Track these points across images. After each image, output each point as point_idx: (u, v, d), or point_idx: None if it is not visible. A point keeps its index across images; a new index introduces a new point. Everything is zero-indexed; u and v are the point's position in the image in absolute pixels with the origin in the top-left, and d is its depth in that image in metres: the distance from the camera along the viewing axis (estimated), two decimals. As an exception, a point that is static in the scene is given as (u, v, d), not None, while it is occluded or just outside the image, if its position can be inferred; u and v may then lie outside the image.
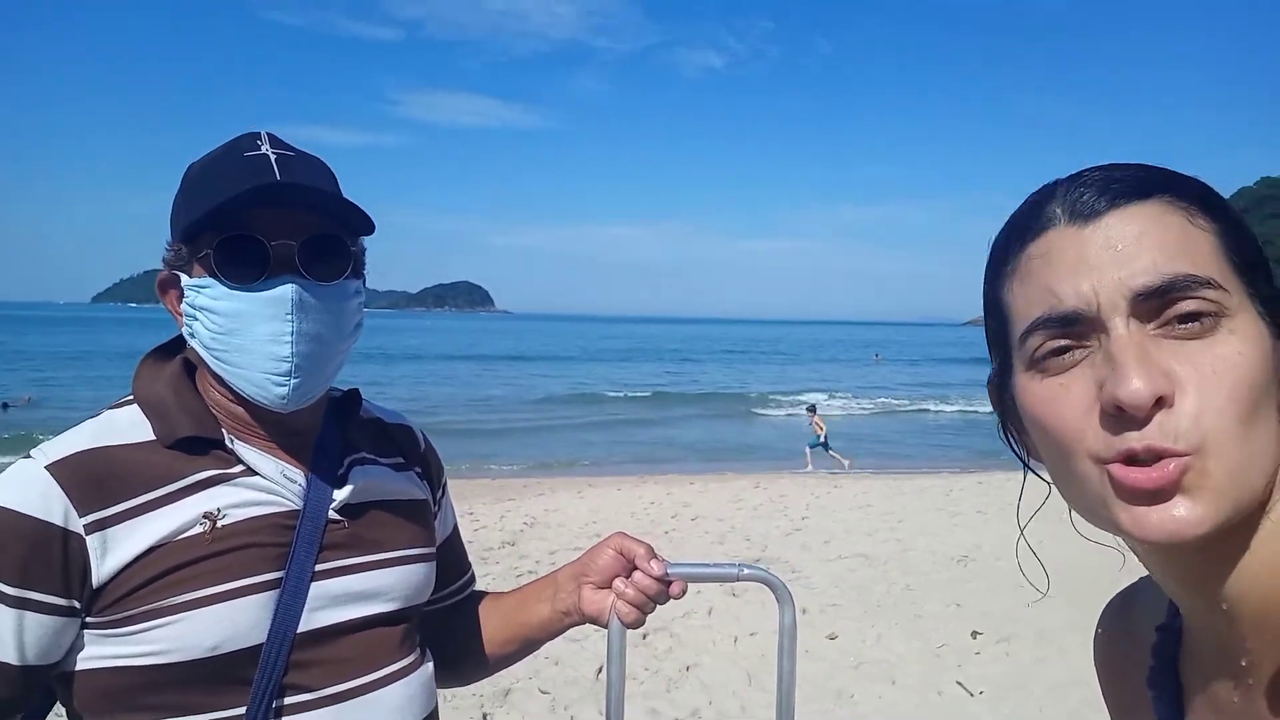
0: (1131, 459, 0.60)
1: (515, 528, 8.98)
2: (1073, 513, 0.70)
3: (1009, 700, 4.79)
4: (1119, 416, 0.60)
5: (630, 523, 9.33)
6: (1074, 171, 0.69)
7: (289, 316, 1.09)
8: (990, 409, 0.77)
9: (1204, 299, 0.60)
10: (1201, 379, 0.59)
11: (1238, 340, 0.60)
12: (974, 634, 5.82)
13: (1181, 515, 0.59)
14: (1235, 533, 0.62)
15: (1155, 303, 0.61)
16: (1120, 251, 0.62)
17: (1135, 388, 0.58)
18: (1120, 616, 0.88)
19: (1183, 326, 0.61)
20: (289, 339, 1.09)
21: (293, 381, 1.11)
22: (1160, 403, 0.59)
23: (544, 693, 4.88)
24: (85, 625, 1.05)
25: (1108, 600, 0.91)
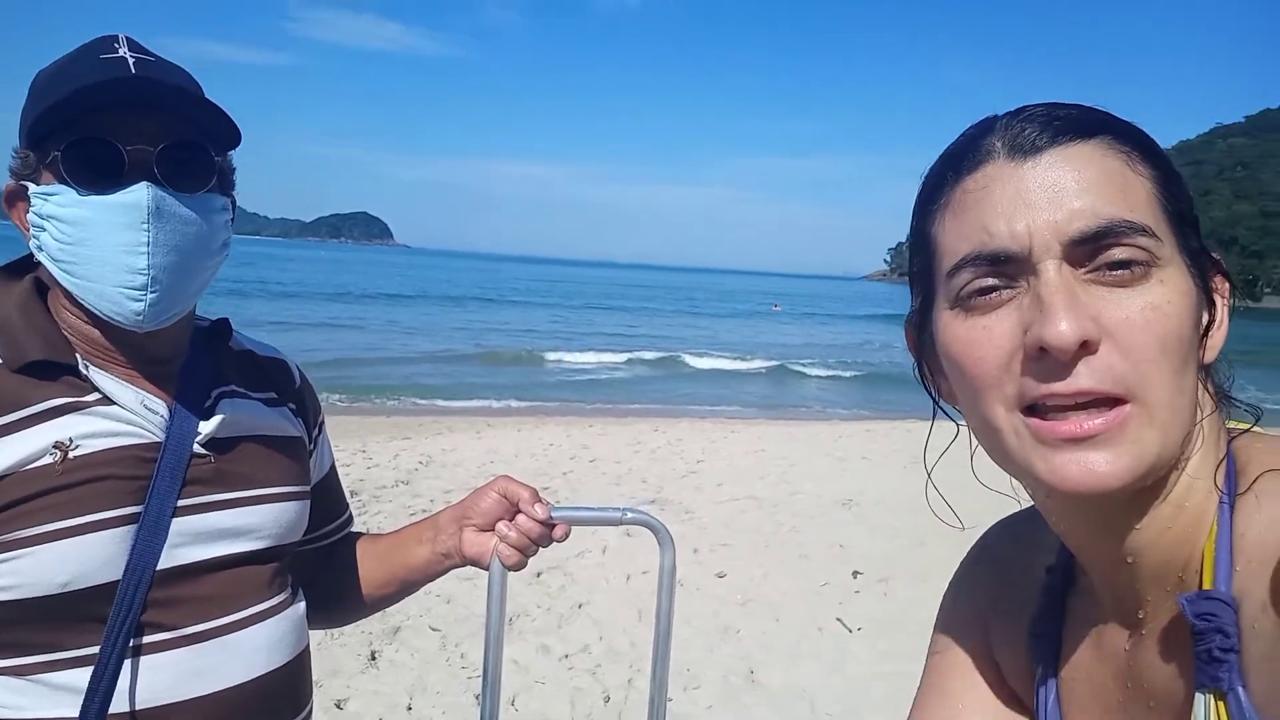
0: (1052, 406, 0.59)
1: (410, 466, 8.85)
2: (974, 459, 0.69)
3: (885, 637, 5.04)
4: (1041, 360, 0.59)
5: (529, 463, 9.33)
6: (1014, 107, 0.67)
7: (144, 225, 1.01)
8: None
9: (1138, 246, 0.60)
10: (1131, 325, 0.59)
11: (1167, 290, 0.60)
12: (855, 574, 6.08)
13: (1101, 467, 0.59)
14: (1150, 485, 0.62)
15: (1089, 247, 0.60)
16: (1058, 192, 0.61)
17: (1062, 329, 0.57)
18: (1000, 548, 0.87)
19: (1114, 273, 0.60)
20: (144, 249, 1.02)
21: (149, 296, 1.03)
22: (1085, 347, 0.58)
23: (434, 630, 4.88)
24: None
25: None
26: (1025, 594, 0.80)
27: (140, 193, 1.01)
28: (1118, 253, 0.60)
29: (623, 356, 24.12)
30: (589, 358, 23.61)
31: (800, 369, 23.36)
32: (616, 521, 1.26)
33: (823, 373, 22.99)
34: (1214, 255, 0.66)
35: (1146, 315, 0.59)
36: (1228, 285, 0.67)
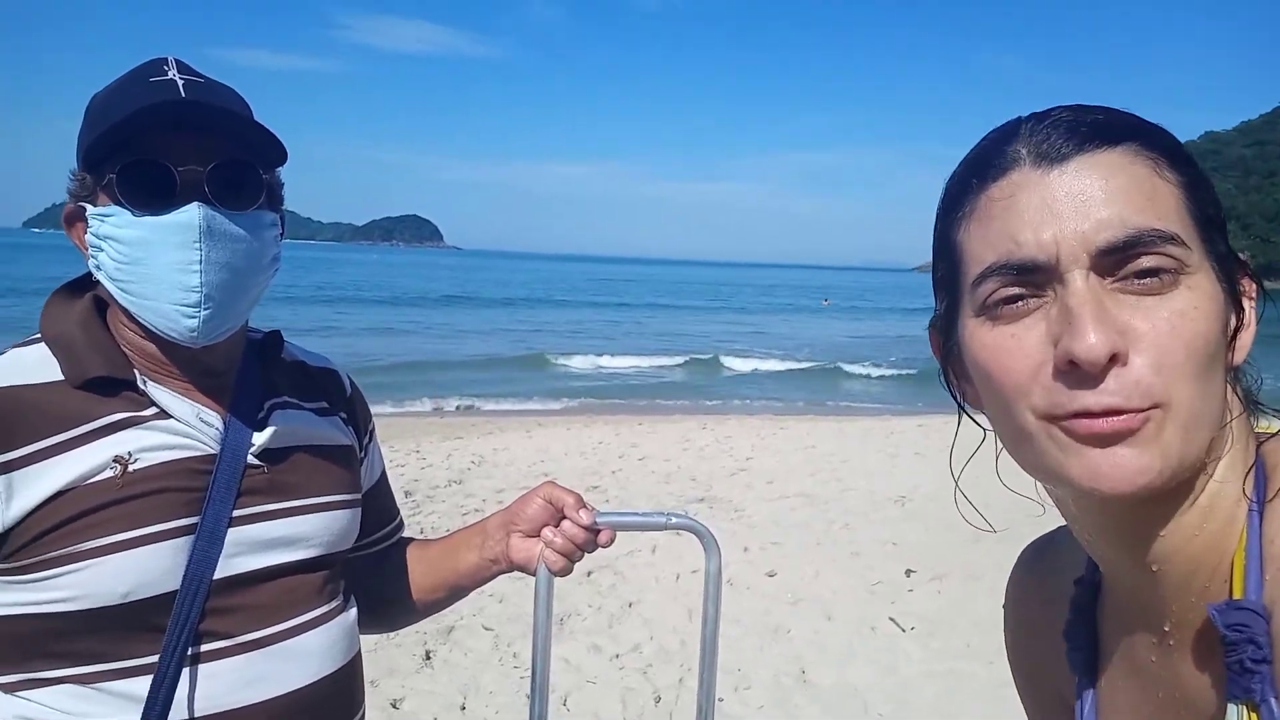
0: (1084, 415, 0.59)
1: (462, 466, 8.96)
2: (999, 460, 0.69)
3: (938, 635, 4.97)
4: (1071, 372, 0.59)
5: (579, 462, 9.38)
6: (1039, 110, 0.66)
7: (197, 244, 1.05)
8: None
9: (1166, 254, 0.59)
10: (1159, 335, 0.58)
11: (1196, 296, 0.60)
12: (908, 572, 6.00)
13: (1130, 463, 0.58)
14: (1176, 490, 0.62)
15: (1117, 257, 0.60)
16: (1085, 201, 0.60)
17: (1091, 343, 0.57)
18: (1034, 568, 0.88)
19: (1141, 282, 0.59)
20: (197, 267, 1.05)
21: (203, 313, 1.06)
22: (1114, 360, 0.58)
23: (487, 629, 4.93)
24: None
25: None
26: (1058, 609, 0.80)
27: (192, 212, 1.04)
28: (1146, 261, 0.59)
29: (671, 360, 23.89)
30: (638, 361, 23.49)
31: (853, 370, 22.77)
32: (661, 526, 1.26)
33: (876, 372, 22.43)
34: (1241, 257, 0.65)
35: (1174, 323, 0.59)
36: (1255, 287, 0.66)
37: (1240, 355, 0.65)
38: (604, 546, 1.27)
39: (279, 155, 1.14)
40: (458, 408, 14.95)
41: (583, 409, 15.17)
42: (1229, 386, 0.64)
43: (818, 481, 8.75)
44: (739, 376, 21.99)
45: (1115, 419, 0.58)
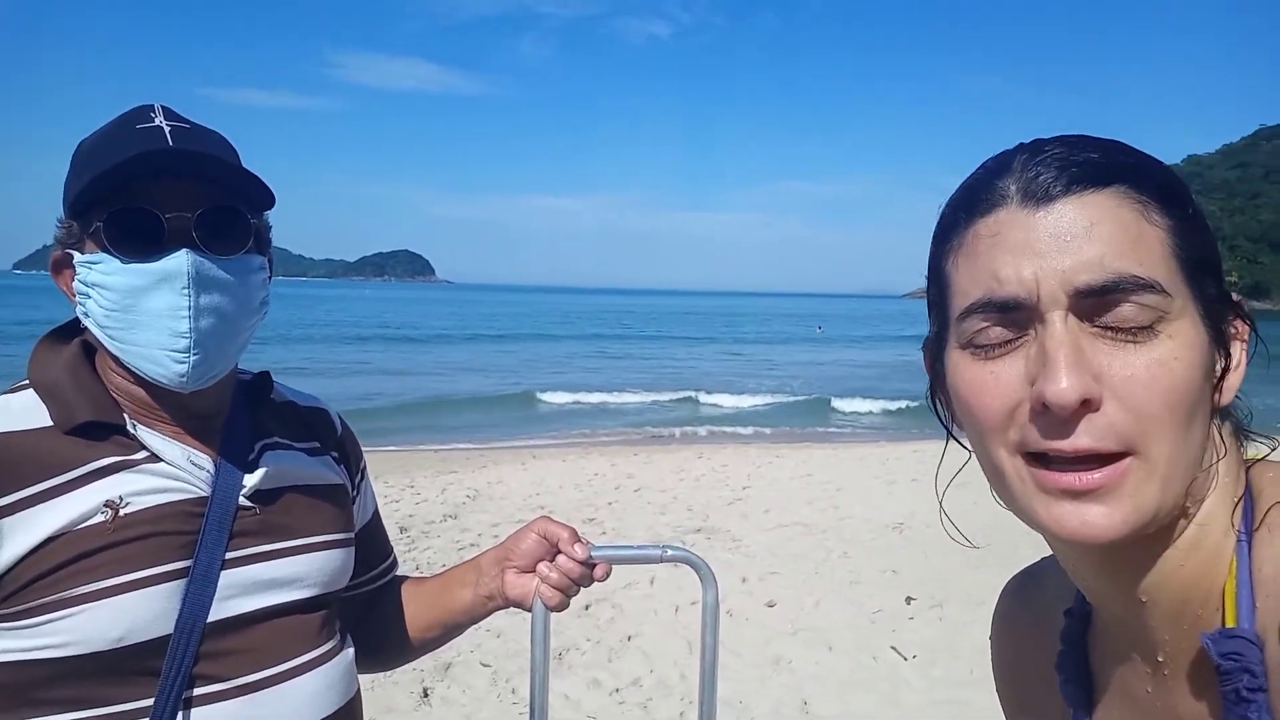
0: (1055, 458, 0.60)
1: (458, 500, 8.91)
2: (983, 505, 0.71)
3: (940, 663, 4.93)
4: (1045, 414, 0.59)
5: (574, 494, 9.34)
6: (1034, 139, 0.66)
7: (185, 290, 1.05)
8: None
9: (1144, 305, 0.59)
10: (1135, 384, 0.58)
11: (1175, 346, 0.59)
12: (908, 599, 5.96)
13: (1099, 521, 0.59)
14: (1156, 532, 0.62)
15: (1095, 301, 0.60)
16: (1068, 243, 0.61)
17: (1063, 388, 0.58)
18: (1021, 598, 0.88)
19: (1121, 329, 0.60)
20: (186, 313, 1.05)
21: (193, 358, 1.06)
22: (1087, 405, 0.58)
23: (485, 665, 4.88)
24: None
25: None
26: (1048, 640, 0.80)
27: (180, 259, 1.05)
28: (1125, 310, 0.59)
29: (660, 396, 23.51)
30: (630, 398, 23.14)
31: (844, 408, 22.09)
32: (656, 559, 1.25)
33: (866, 407, 21.93)
34: (1234, 298, 0.65)
35: (1153, 372, 0.59)
36: (1246, 328, 0.66)
37: (1228, 396, 0.65)
38: (599, 581, 1.26)
39: (266, 200, 1.14)
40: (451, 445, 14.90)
41: (577, 441, 15.12)
42: (1215, 428, 0.64)
43: (815, 510, 8.72)
44: (727, 415, 21.42)
45: (1088, 476, 0.59)
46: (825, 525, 8.06)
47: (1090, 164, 0.63)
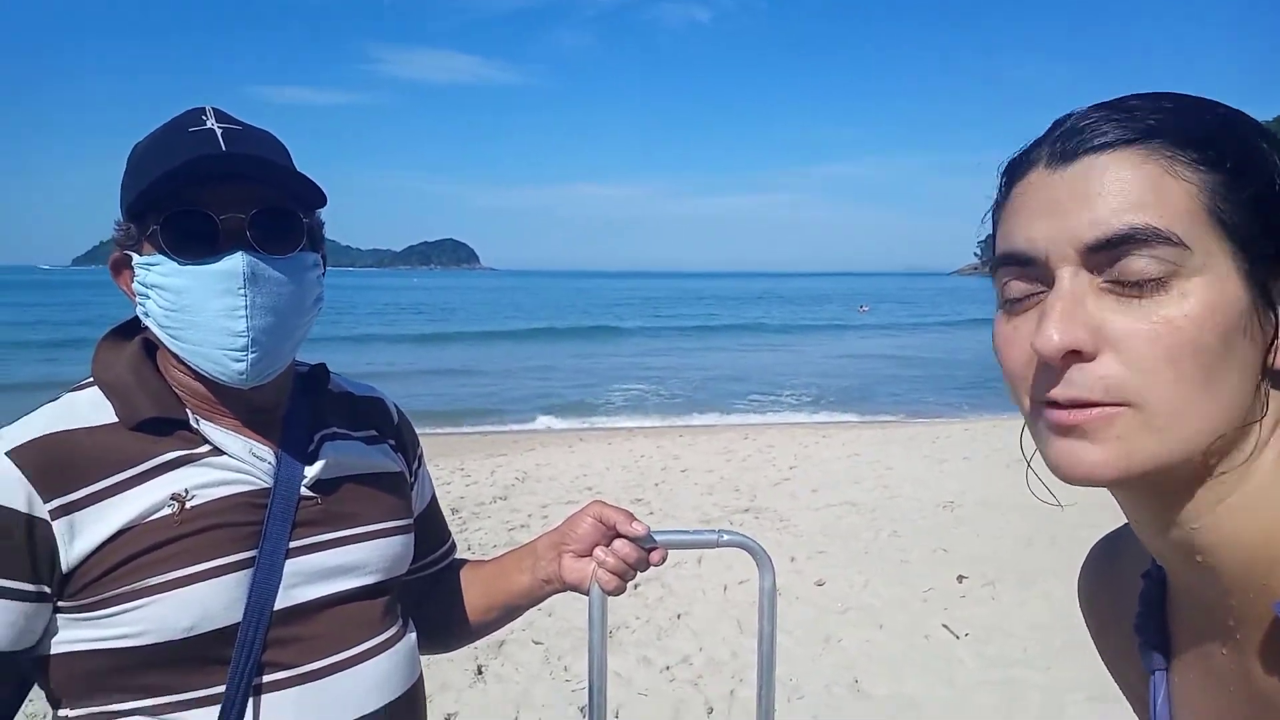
0: (1054, 404, 0.62)
1: (507, 482, 9.02)
2: (1032, 462, 0.71)
3: (993, 642, 4.89)
4: (1045, 365, 0.62)
5: (621, 476, 9.39)
6: (1097, 102, 0.67)
7: (241, 290, 1.07)
8: None
9: (1156, 257, 0.58)
10: (1135, 338, 0.58)
11: (1190, 304, 0.58)
12: (959, 578, 5.91)
13: (1087, 458, 0.60)
14: (1187, 484, 0.62)
15: (1105, 254, 0.60)
16: (1084, 198, 0.61)
17: (1048, 337, 0.59)
18: (1103, 562, 0.89)
19: (1129, 283, 0.59)
20: (243, 313, 1.08)
21: (250, 356, 1.09)
22: (1078, 356, 0.59)
23: (537, 643, 4.95)
24: (58, 610, 1.05)
25: (1089, 542, 0.92)
26: (1128, 603, 0.80)
27: (236, 260, 1.07)
28: (1135, 264, 0.59)
29: (702, 376, 23.10)
30: (673, 383, 22.80)
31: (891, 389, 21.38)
32: (712, 544, 1.26)
33: (919, 386, 21.14)
34: None
35: (1157, 329, 0.58)
36: None
37: None
38: (656, 565, 1.27)
39: (318, 199, 1.16)
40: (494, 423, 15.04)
41: (623, 424, 15.16)
42: (1264, 390, 0.62)
43: (863, 489, 8.66)
44: (772, 398, 20.82)
45: (1077, 413, 0.60)
46: (874, 504, 8.00)
47: (1117, 122, 0.63)
